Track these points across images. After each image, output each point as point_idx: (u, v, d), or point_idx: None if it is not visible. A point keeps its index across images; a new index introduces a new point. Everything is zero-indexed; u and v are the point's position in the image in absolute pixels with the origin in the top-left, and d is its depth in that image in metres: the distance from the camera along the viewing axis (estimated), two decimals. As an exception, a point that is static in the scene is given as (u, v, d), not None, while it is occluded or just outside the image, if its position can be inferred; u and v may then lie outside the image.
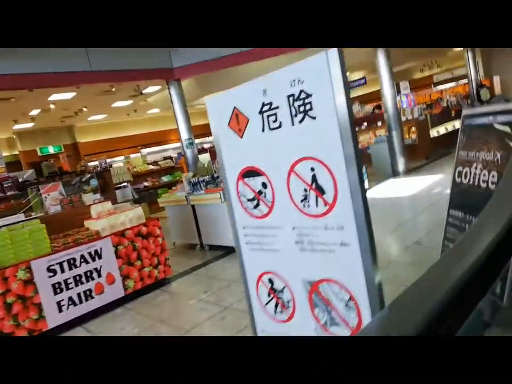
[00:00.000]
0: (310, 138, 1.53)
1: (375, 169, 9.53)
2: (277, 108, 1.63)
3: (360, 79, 15.07)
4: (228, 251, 5.55)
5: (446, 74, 18.59)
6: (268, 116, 1.67)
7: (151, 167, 12.75)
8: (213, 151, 6.60)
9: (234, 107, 1.81)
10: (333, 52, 1.37)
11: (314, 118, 1.50)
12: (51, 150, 13.66)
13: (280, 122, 1.63)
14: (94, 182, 5.08)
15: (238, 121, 1.77)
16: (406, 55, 14.22)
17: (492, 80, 15.85)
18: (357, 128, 12.77)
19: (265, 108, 1.67)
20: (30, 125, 11.88)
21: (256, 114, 1.71)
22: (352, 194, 1.44)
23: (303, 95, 1.51)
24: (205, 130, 17.21)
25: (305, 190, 1.57)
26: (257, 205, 1.80)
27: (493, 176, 2.39)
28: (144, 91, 10.79)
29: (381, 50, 8.67)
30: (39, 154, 13.33)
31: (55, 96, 8.88)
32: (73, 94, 8.92)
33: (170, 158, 13.58)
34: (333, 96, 1.41)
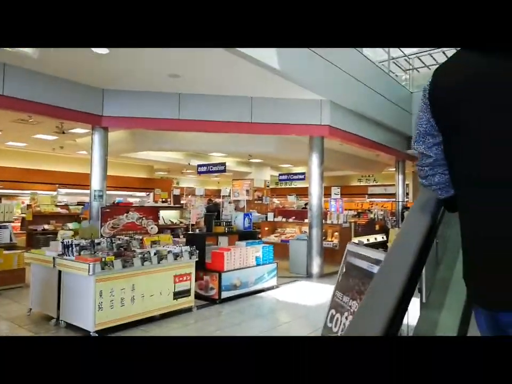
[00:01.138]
0: None
1: (291, 265, 9.36)
2: None
3: (301, 173, 15.45)
4: (86, 336, 4.60)
5: (380, 188, 19.67)
6: None
7: (59, 209, 11.52)
8: (108, 213, 5.82)
9: None
10: None
11: None
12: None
13: None
14: None
15: None
16: (345, 162, 14.88)
17: (417, 204, 16.87)
18: (285, 219, 12.64)
19: None
20: None
21: None
22: None
23: None
24: (139, 185, 16.38)
25: None
26: None
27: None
28: (71, 130, 10.06)
29: (315, 151, 8.76)
30: None
31: (-42, 110, 7.86)
32: (-18, 113, 7.96)
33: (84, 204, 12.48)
34: None
